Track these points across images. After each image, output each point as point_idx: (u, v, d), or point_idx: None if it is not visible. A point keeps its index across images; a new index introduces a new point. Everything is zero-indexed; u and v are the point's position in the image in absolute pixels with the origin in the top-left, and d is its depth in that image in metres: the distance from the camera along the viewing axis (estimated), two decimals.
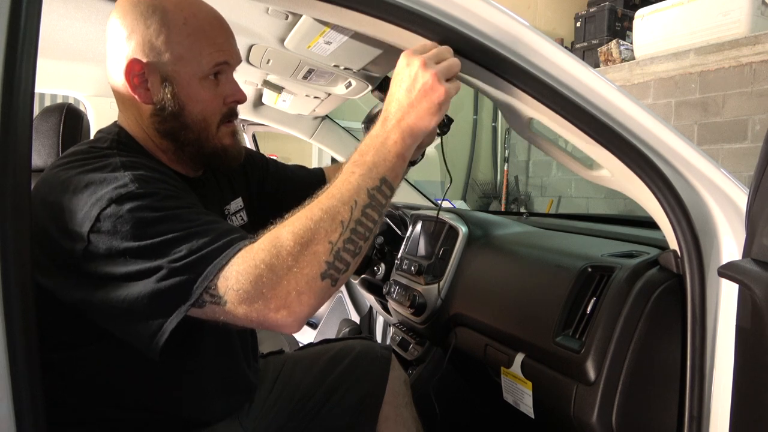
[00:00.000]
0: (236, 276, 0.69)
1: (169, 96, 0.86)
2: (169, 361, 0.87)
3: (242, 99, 0.93)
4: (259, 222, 0.88)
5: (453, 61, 0.79)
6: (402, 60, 0.79)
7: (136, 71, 0.85)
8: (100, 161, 0.80)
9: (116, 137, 0.88)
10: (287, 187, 1.23)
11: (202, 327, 0.87)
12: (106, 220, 0.71)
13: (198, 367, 0.92)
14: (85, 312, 0.75)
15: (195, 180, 0.96)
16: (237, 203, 1.10)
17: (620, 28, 4.73)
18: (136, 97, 0.86)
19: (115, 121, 0.94)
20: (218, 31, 0.89)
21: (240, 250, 0.70)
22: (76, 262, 0.72)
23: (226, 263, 0.69)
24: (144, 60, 0.85)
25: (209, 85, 0.89)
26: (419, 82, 0.76)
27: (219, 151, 0.93)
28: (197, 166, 0.96)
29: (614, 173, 0.93)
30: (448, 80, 0.78)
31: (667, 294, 0.89)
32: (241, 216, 1.10)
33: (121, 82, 0.87)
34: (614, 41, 4.43)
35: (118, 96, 0.90)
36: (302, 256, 0.69)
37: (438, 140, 1.05)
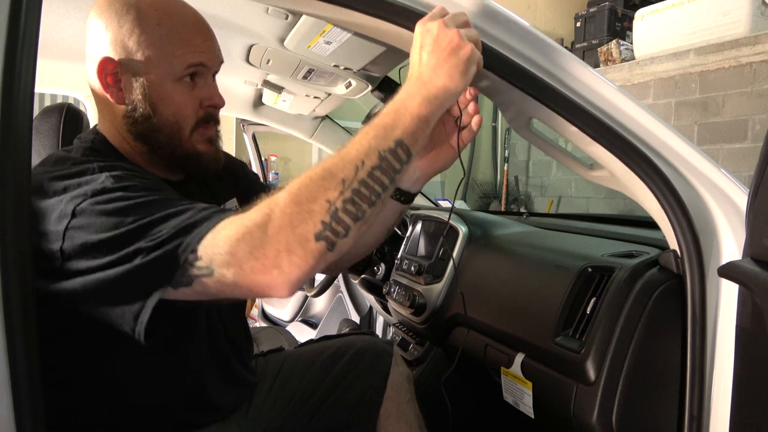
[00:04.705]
0: (224, 239, 0.66)
1: (140, 97, 0.84)
2: (167, 359, 0.87)
3: (220, 104, 0.91)
4: None
5: (473, 29, 0.77)
6: (418, 29, 0.76)
7: (108, 70, 0.84)
8: (78, 167, 0.79)
9: (91, 145, 0.87)
10: None
11: (192, 321, 0.85)
12: (81, 216, 0.70)
13: (194, 365, 0.91)
14: (74, 310, 0.73)
15: (177, 183, 0.93)
16: (232, 203, 1.07)
17: (620, 28, 4.72)
18: (108, 96, 0.85)
19: (95, 126, 0.92)
20: (194, 32, 0.86)
21: (228, 217, 0.68)
22: (57, 262, 0.70)
23: (210, 230, 0.67)
24: (116, 59, 0.84)
25: (184, 88, 0.86)
26: (444, 40, 0.73)
27: (192, 157, 0.90)
28: (173, 171, 0.93)
29: (614, 173, 0.93)
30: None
31: (667, 294, 0.89)
32: None
33: (96, 82, 0.86)
34: (614, 41, 4.42)
35: (95, 97, 0.89)
36: (296, 213, 0.65)
37: None
